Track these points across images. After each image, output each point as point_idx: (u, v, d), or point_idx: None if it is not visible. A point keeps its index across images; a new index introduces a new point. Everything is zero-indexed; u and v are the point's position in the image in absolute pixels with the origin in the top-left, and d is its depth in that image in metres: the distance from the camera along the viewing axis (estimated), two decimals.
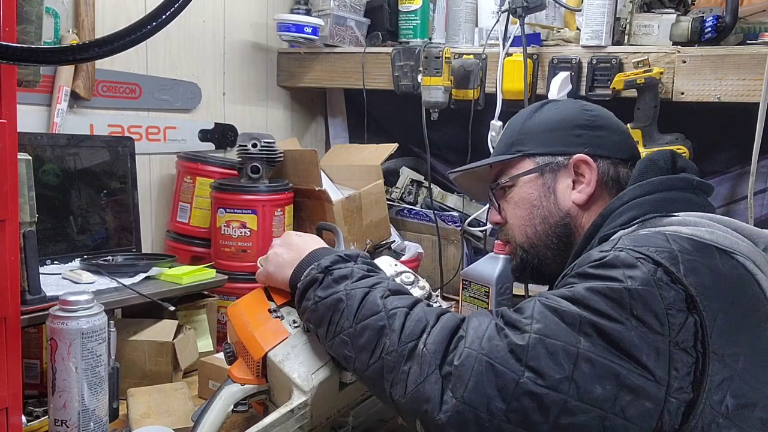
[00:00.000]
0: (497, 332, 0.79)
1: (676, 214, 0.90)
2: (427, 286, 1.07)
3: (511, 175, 1.10)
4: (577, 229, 1.04)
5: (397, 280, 1.05)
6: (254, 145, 1.59)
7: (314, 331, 0.95)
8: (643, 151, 1.46)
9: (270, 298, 1.06)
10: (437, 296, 1.09)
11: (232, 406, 1.01)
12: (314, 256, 1.00)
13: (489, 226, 1.84)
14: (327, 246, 1.05)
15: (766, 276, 0.86)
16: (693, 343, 0.76)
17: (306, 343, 1.00)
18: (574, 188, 1.04)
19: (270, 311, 1.03)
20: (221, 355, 1.31)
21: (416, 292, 1.03)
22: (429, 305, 0.89)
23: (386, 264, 1.09)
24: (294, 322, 1.02)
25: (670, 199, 0.94)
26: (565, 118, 1.08)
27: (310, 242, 1.04)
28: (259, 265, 1.09)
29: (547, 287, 1.07)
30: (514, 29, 1.62)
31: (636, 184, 0.97)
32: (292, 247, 1.04)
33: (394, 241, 1.86)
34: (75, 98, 1.53)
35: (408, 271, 1.08)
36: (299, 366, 0.97)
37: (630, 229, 0.91)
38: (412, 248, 1.83)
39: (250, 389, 1.02)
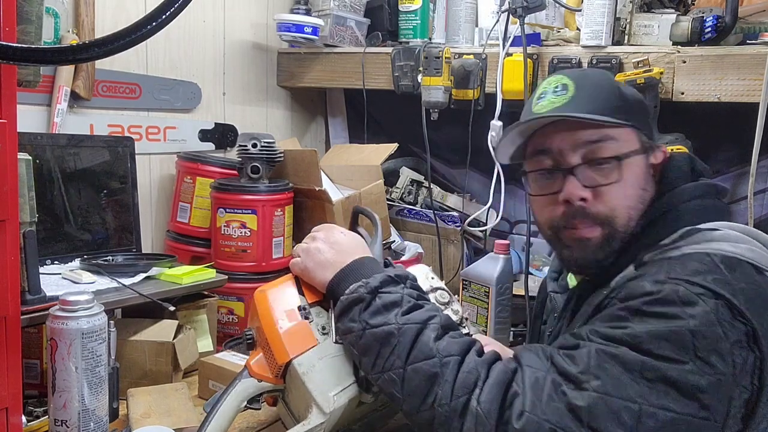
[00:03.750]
0: (555, 390, 0.77)
1: (715, 227, 0.88)
2: (461, 310, 1.04)
3: (620, 144, 0.94)
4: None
5: (431, 297, 1.01)
6: (254, 145, 1.59)
7: (357, 358, 0.92)
8: None
9: (300, 292, 1.02)
10: (467, 318, 1.05)
11: (245, 402, 0.99)
12: (360, 268, 0.95)
13: (491, 224, 1.84)
14: (371, 255, 1.00)
15: None
16: (750, 379, 0.76)
17: (332, 357, 0.96)
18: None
19: (299, 309, 1.00)
20: (221, 355, 1.31)
21: (449, 315, 0.99)
22: (481, 352, 0.86)
23: (422, 276, 1.04)
24: (323, 328, 0.98)
25: (704, 208, 0.92)
26: (641, 98, 1.02)
27: (355, 245, 1.00)
28: (295, 254, 1.04)
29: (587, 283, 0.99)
30: (514, 29, 1.62)
31: (672, 191, 0.94)
32: (335, 247, 0.99)
33: (394, 241, 1.86)
34: (75, 98, 1.53)
35: (443, 289, 1.04)
36: (322, 383, 0.94)
37: (673, 244, 0.88)
38: (412, 248, 1.83)
39: (265, 386, 0.99)
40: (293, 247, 1.68)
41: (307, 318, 0.99)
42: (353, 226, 1.19)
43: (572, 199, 0.93)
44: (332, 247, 0.99)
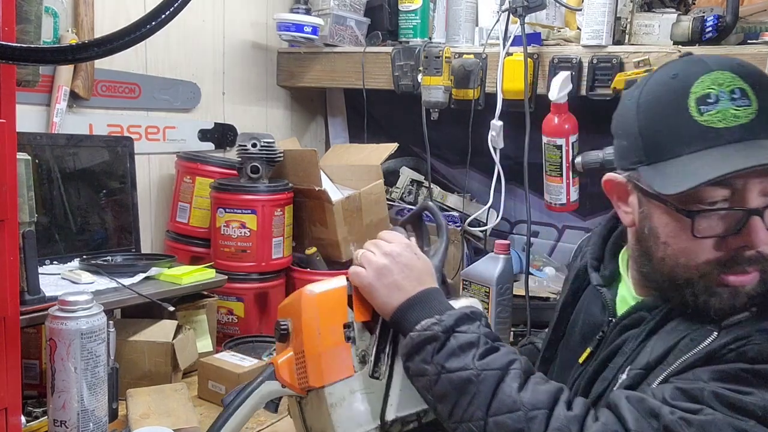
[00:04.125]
0: None
1: None
2: None
3: None
4: None
5: None
6: (254, 145, 1.59)
7: (432, 403, 0.85)
8: None
9: (350, 304, 0.94)
10: None
11: (264, 404, 0.96)
12: (430, 300, 0.89)
13: (491, 224, 1.84)
14: (439, 287, 0.93)
15: None
16: None
17: (364, 393, 0.92)
18: None
19: (345, 327, 0.92)
20: (221, 355, 1.31)
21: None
22: (570, 404, 0.79)
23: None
24: (363, 356, 0.92)
25: None
26: None
27: (425, 270, 0.92)
28: (356, 261, 0.95)
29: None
30: (515, 29, 1.62)
31: None
32: (406, 270, 0.90)
33: None
34: (74, 98, 1.52)
35: (489, 332, 0.96)
36: (347, 421, 0.90)
37: None
38: None
39: (288, 392, 0.95)
40: (294, 246, 1.70)
41: (349, 339, 0.93)
42: (414, 221, 1.09)
43: (756, 247, 0.78)
44: (403, 269, 0.90)
